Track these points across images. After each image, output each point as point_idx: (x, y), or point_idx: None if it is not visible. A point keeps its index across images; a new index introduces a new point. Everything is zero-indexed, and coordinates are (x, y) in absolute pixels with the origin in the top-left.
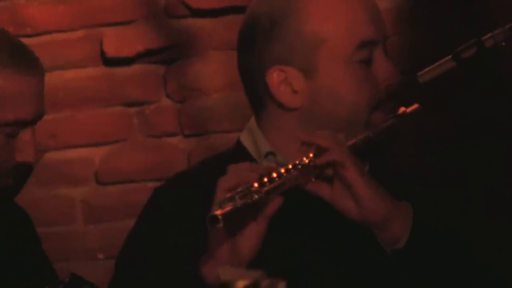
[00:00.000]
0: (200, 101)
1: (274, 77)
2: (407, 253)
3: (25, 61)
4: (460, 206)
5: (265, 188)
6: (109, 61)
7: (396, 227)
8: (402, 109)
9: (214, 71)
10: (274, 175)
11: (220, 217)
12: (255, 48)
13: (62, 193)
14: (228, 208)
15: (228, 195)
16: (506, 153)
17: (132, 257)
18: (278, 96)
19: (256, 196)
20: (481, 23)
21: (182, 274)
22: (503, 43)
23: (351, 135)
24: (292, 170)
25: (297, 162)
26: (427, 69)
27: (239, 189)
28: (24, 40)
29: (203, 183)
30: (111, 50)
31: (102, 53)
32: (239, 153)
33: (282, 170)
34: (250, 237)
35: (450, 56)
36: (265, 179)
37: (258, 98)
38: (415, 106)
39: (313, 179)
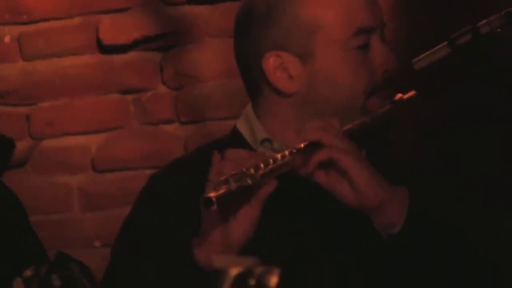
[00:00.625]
0: (196, 88)
1: (270, 62)
2: (403, 237)
3: None
4: (456, 193)
5: (260, 172)
6: (105, 49)
7: (392, 212)
8: (398, 95)
9: (211, 58)
10: (270, 161)
11: (214, 199)
12: (252, 33)
13: (59, 180)
14: (222, 190)
15: (223, 177)
16: (502, 140)
17: (128, 243)
18: (274, 82)
19: (250, 180)
20: (477, 10)
21: (175, 257)
22: (499, 30)
23: (348, 120)
24: (288, 155)
25: (293, 148)
26: (422, 55)
27: (234, 172)
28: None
29: (199, 169)
30: (107, 38)
31: (99, 40)
32: (235, 140)
33: (278, 156)
34: (243, 220)
35: (445, 43)
36: (261, 165)
37: (255, 84)
38: (412, 93)
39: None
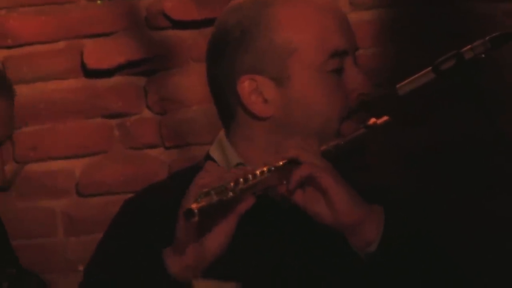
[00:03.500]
0: (180, 113)
1: (245, 86)
2: (380, 256)
3: None
4: (434, 214)
5: (240, 187)
6: (90, 73)
7: (368, 231)
8: (372, 120)
9: (194, 83)
10: (250, 176)
11: (196, 211)
12: (225, 57)
13: (43, 205)
14: (203, 203)
15: (205, 190)
16: (484, 165)
17: (99, 263)
18: (249, 105)
19: (231, 194)
20: (462, 36)
21: (148, 268)
22: (483, 55)
23: (322, 144)
24: (266, 172)
25: (271, 165)
26: (406, 81)
27: (215, 186)
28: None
29: (170, 194)
30: (91, 62)
31: (83, 65)
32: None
33: (257, 172)
34: (219, 234)
35: (429, 68)
36: (241, 180)
37: (228, 108)
38: (385, 118)
39: (285, 182)
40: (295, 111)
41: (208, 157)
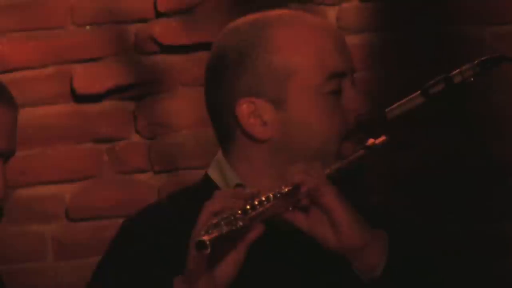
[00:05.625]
0: (170, 137)
1: (244, 109)
2: (385, 281)
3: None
4: (429, 236)
5: (248, 216)
6: (79, 98)
7: (372, 255)
8: (371, 140)
9: (184, 107)
10: (256, 202)
11: (208, 242)
12: (224, 80)
13: (32, 229)
14: (215, 234)
15: (214, 221)
16: (474, 187)
17: (101, 284)
18: (248, 128)
19: (240, 223)
20: (451, 60)
21: None
22: (472, 79)
23: (324, 166)
24: (273, 199)
25: (277, 191)
26: (395, 104)
27: (225, 216)
28: None
29: (170, 215)
30: (81, 87)
31: (72, 90)
32: (207, 186)
33: (263, 198)
34: (229, 263)
35: (419, 92)
36: (248, 207)
37: (227, 130)
38: (382, 138)
39: (291, 209)
40: (294, 133)
41: (206, 177)
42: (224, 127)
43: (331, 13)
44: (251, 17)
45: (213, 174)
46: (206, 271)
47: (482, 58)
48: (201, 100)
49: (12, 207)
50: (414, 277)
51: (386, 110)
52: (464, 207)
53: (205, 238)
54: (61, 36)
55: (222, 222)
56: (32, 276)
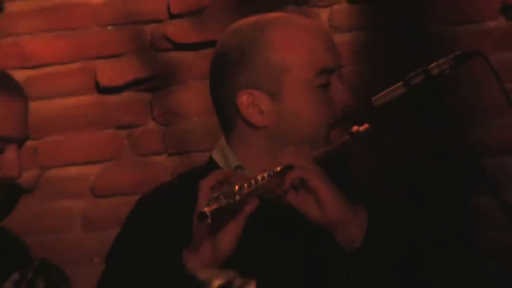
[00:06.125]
0: (181, 124)
1: (244, 99)
2: (364, 250)
3: (12, 87)
4: (410, 214)
5: (245, 191)
6: (102, 90)
7: (353, 227)
8: (355, 128)
9: (194, 98)
10: (252, 181)
11: (208, 213)
12: (227, 76)
13: (62, 205)
14: (214, 206)
15: (215, 195)
16: (451, 170)
17: (119, 253)
18: (247, 116)
19: (238, 197)
20: (430, 55)
21: (168, 267)
22: (448, 71)
23: (313, 150)
24: (267, 177)
25: (270, 171)
26: (380, 94)
27: (224, 191)
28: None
29: (179, 192)
30: (104, 80)
31: (96, 83)
32: (211, 168)
33: (259, 177)
34: (229, 234)
35: (401, 83)
36: (245, 185)
37: (229, 119)
38: (366, 126)
39: (282, 185)
40: (287, 121)
41: (211, 160)
42: (226, 116)
43: (324, 14)
44: (251, 19)
45: (216, 156)
46: (209, 240)
47: (457, 53)
48: (209, 92)
49: (44, 186)
50: (392, 248)
51: (372, 99)
52: (442, 186)
53: (206, 209)
54: (86, 36)
55: (222, 196)
56: (61, 247)
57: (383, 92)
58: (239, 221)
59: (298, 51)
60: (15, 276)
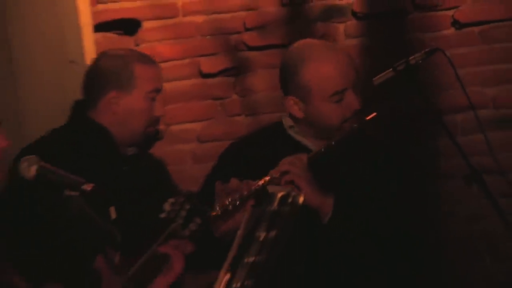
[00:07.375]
0: (253, 96)
1: (289, 101)
2: (333, 223)
3: (148, 58)
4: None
5: (251, 191)
6: (203, 75)
7: (325, 208)
8: (367, 117)
9: (260, 80)
10: (260, 182)
11: (215, 214)
12: (283, 81)
13: (178, 148)
14: (219, 212)
15: (226, 203)
16: (425, 135)
17: (208, 175)
18: (291, 112)
19: (238, 202)
20: (411, 53)
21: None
22: (420, 61)
23: (333, 134)
24: (268, 181)
25: (271, 177)
26: (377, 76)
27: (231, 200)
28: None
29: (254, 142)
30: (204, 69)
31: (200, 71)
32: (278, 125)
33: (262, 182)
34: (239, 219)
35: (390, 69)
36: (253, 188)
37: (285, 106)
38: (373, 114)
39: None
40: (313, 118)
41: (279, 122)
42: (284, 104)
43: (341, 27)
44: (302, 46)
45: (283, 120)
46: (232, 219)
47: (426, 50)
48: (271, 78)
49: (167, 136)
50: (354, 220)
51: (373, 79)
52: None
53: (213, 214)
54: (193, 42)
55: (230, 205)
56: (178, 175)
57: (379, 75)
58: (246, 209)
59: (318, 80)
60: (171, 199)
